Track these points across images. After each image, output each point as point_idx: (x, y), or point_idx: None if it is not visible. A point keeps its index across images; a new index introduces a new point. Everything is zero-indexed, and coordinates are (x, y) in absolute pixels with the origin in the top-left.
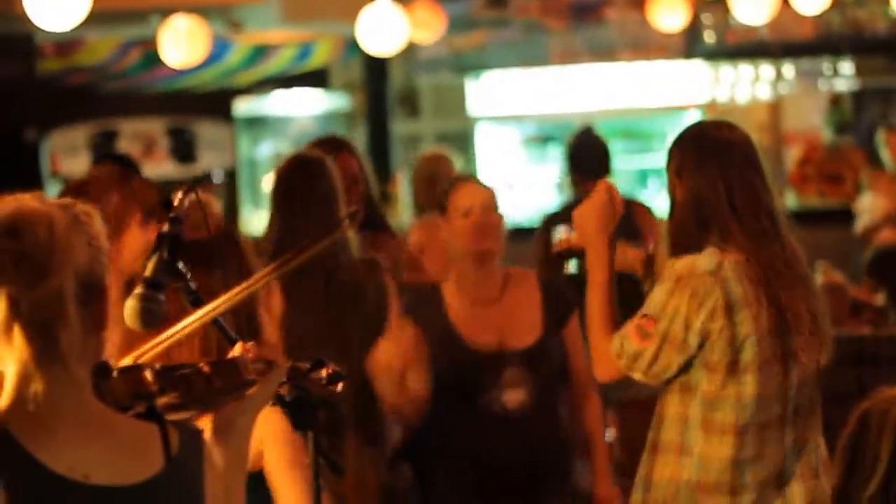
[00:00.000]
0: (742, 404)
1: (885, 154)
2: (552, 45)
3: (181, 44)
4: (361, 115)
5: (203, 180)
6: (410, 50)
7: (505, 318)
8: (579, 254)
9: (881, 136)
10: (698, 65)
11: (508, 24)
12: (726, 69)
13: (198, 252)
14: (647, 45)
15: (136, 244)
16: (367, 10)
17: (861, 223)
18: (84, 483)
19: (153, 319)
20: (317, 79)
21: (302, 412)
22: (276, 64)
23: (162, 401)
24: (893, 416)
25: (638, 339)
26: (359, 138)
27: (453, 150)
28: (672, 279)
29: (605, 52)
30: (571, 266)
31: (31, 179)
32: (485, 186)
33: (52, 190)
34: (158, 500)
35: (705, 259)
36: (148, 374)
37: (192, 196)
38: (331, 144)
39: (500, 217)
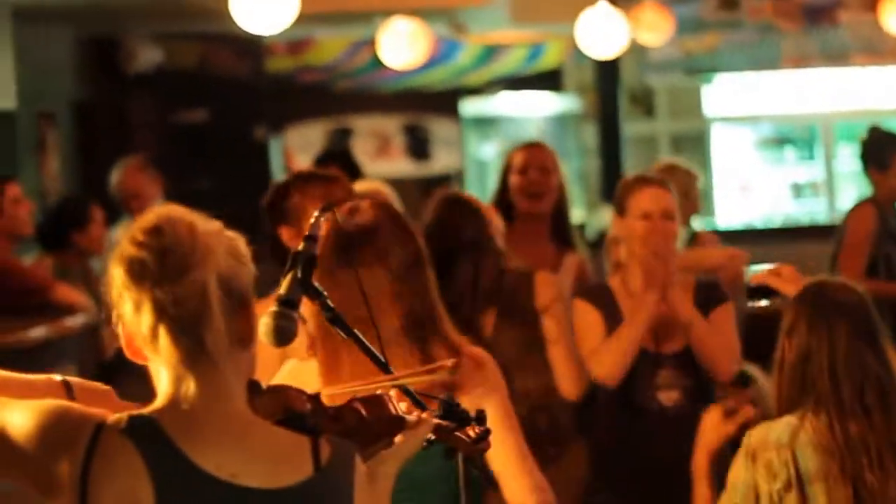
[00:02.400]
0: None
1: None
2: (785, 47)
3: (401, 46)
4: (592, 116)
5: (442, 182)
6: (641, 51)
7: (663, 320)
8: (771, 293)
9: None
10: None
11: (741, 25)
12: None
13: (364, 240)
14: (881, 49)
15: None
16: (587, 13)
17: None
18: (231, 482)
19: (287, 336)
20: (549, 80)
21: (450, 419)
22: (506, 64)
23: (313, 421)
24: None
25: None
26: (590, 139)
27: (688, 152)
28: (747, 453)
29: (838, 56)
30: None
31: (261, 177)
32: (667, 191)
33: None
34: None
35: (779, 428)
36: (299, 395)
37: (329, 215)
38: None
39: (676, 224)
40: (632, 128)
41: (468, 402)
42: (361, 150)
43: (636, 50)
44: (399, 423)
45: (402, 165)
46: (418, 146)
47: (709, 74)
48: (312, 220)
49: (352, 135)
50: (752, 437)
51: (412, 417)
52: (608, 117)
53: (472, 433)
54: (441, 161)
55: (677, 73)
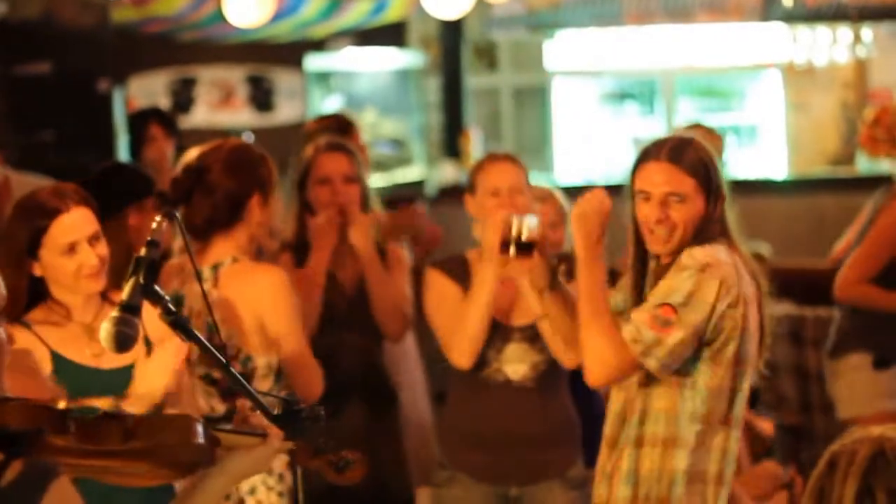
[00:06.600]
0: (740, 398)
1: None
2: (627, 4)
3: (247, 3)
4: (435, 70)
5: (285, 133)
6: (485, 6)
7: (515, 293)
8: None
9: None
10: (776, 26)
11: None
12: (804, 31)
13: None
14: (724, 6)
15: None
16: None
17: None
18: None
19: (127, 342)
20: (393, 34)
21: (293, 423)
22: (350, 17)
23: (53, 441)
24: (860, 459)
25: (656, 327)
26: (432, 93)
27: (529, 105)
28: (697, 267)
29: (681, 13)
30: None
31: (104, 128)
32: (515, 166)
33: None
34: None
35: (724, 252)
36: (21, 411)
37: (172, 220)
38: (340, 122)
39: (527, 198)
40: (474, 81)
41: None
42: (204, 99)
43: (480, 4)
44: (205, 452)
45: (244, 116)
46: (262, 97)
47: (551, 31)
48: (154, 226)
49: (195, 84)
50: (699, 255)
51: (251, 441)
52: (451, 71)
53: (333, 458)
54: (284, 113)
55: (520, 29)
